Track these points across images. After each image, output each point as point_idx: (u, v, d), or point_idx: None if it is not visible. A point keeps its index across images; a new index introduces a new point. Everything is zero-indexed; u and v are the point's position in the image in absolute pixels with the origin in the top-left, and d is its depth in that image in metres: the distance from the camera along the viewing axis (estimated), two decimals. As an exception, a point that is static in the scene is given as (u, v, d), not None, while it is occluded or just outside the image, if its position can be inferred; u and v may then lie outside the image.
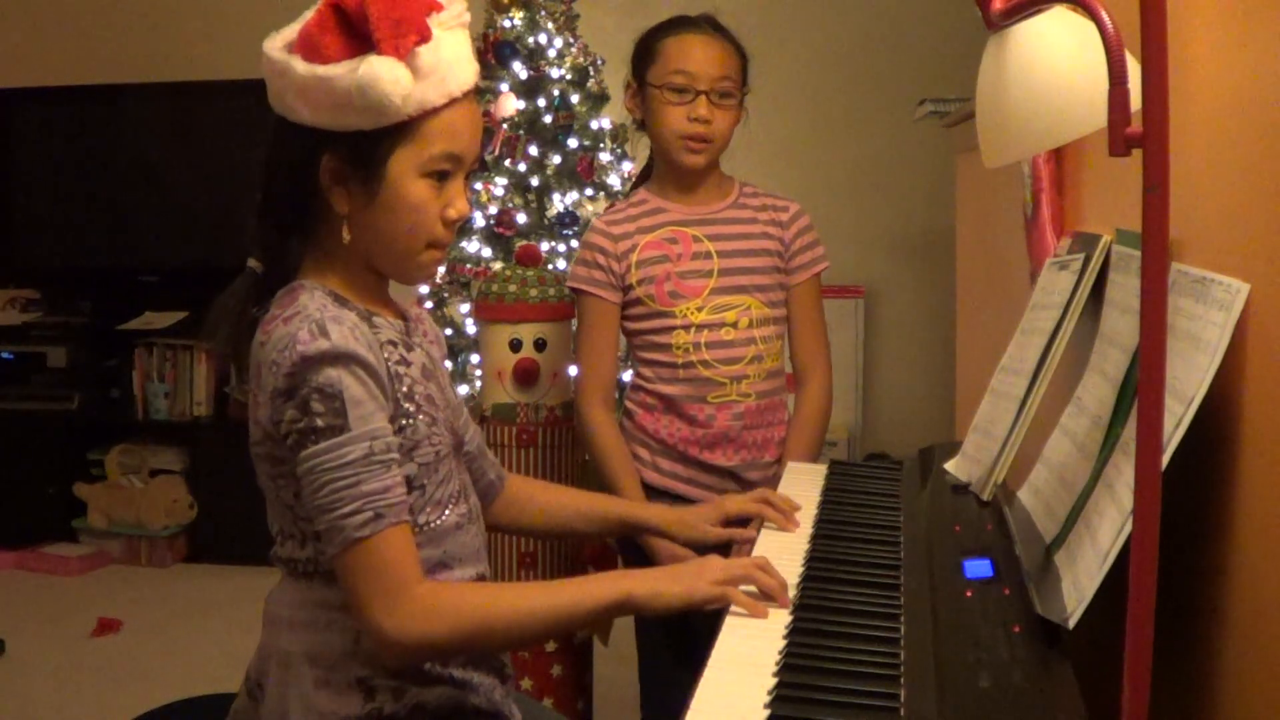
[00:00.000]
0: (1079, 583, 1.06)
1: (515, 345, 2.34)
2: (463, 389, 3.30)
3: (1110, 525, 1.05)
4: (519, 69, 3.43)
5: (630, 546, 2.03)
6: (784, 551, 1.46)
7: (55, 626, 3.60)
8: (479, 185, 3.39)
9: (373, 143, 1.29)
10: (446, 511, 1.37)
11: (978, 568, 1.26)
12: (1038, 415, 1.44)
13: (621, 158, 3.56)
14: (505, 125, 3.42)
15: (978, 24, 1.19)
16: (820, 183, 4.28)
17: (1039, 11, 1.11)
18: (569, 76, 3.49)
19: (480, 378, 2.61)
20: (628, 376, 2.27)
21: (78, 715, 3.01)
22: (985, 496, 1.48)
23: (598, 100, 3.54)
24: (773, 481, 1.99)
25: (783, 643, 1.17)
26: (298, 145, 1.30)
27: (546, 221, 3.46)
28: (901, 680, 1.06)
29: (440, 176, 1.33)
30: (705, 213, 2.08)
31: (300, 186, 1.32)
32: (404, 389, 1.32)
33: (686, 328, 2.03)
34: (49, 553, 4.17)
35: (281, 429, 1.25)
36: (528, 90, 3.45)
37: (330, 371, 1.23)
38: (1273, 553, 0.96)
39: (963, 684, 1.02)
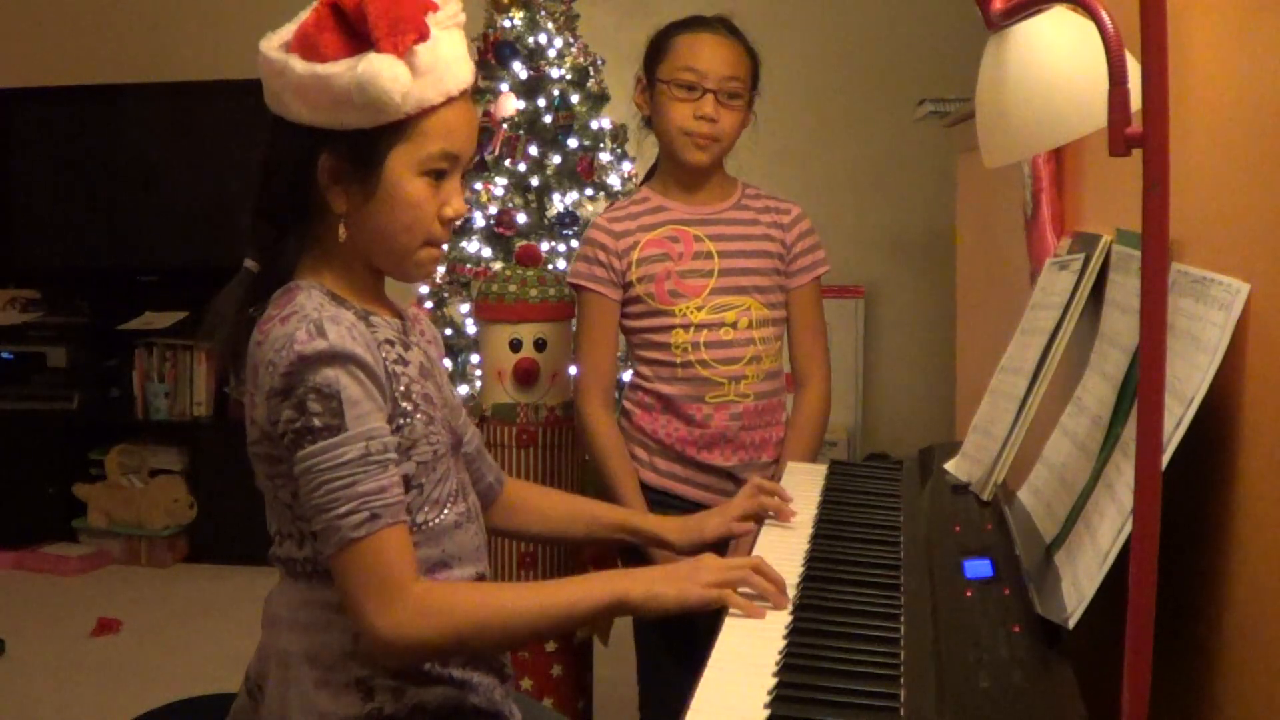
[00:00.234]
0: (1079, 583, 1.06)
1: (515, 345, 2.34)
2: (463, 389, 3.30)
3: (1110, 525, 1.05)
4: (519, 69, 3.43)
5: (630, 550, 2.03)
6: (784, 551, 1.46)
7: (55, 626, 3.60)
8: (479, 185, 3.39)
9: (371, 141, 1.29)
10: (445, 510, 1.37)
11: (978, 568, 1.26)
12: (1038, 415, 1.44)
13: (621, 158, 3.56)
14: (505, 125, 3.42)
15: (978, 24, 1.19)
16: (820, 182, 4.28)
17: (1039, 11, 1.11)
18: (569, 76, 3.49)
19: (480, 378, 2.61)
20: (627, 376, 2.27)
21: (78, 715, 3.01)
22: (985, 496, 1.48)
23: (598, 100, 3.54)
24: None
25: (783, 643, 1.17)
26: (295, 144, 1.30)
27: (546, 221, 3.46)
28: (901, 680, 1.06)
29: (437, 175, 1.34)
30: (707, 212, 2.08)
31: (297, 186, 1.32)
32: (401, 388, 1.32)
33: (686, 327, 2.03)
34: (49, 553, 4.17)
35: (278, 429, 1.25)
36: (528, 90, 3.45)
37: (327, 371, 1.23)
38: (1273, 553, 0.96)
39: (963, 684, 1.02)
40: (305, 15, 1.31)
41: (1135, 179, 0.87)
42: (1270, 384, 0.99)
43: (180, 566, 4.27)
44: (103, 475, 4.34)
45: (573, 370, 2.39)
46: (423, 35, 1.28)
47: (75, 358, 4.47)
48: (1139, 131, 0.86)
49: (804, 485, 1.77)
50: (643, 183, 2.22)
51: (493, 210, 3.41)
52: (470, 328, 3.37)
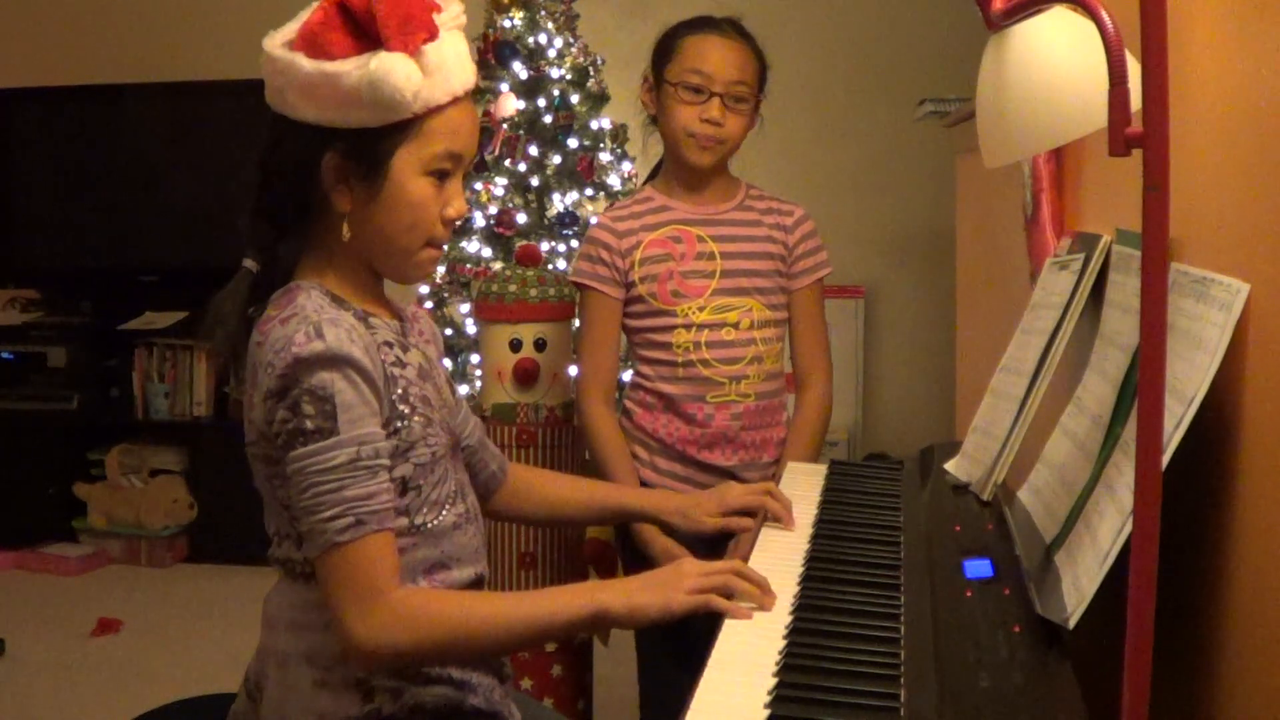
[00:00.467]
0: (1079, 583, 1.06)
1: (515, 345, 2.34)
2: (463, 389, 3.30)
3: (1110, 525, 1.05)
4: (519, 69, 3.43)
5: (629, 543, 2.03)
6: (784, 551, 1.46)
7: (55, 626, 3.60)
8: (479, 185, 3.39)
9: (377, 140, 1.29)
10: (444, 511, 1.37)
11: (978, 568, 1.26)
12: (1038, 415, 1.44)
13: (621, 158, 3.56)
14: (505, 125, 3.42)
15: (978, 24, 1.19)
16: (820, 183, 4.28)
17: (1039, 11, 1.11)
18: (569, 76, 3.49)
19: (480, 378, 2.61)
20: (627, 376, 2.27)
21: (78, 715, 3.01)
22: (985, 496, 1.48)
23: (598, 100, 3.54)
24: (771, 482, 1.99)
25: (783, 643, 1.17)
26: (299, 143, 1.30)
27: (546, 221, 3.46)
28: (901, 680, 1.06)
29: (440, 176, 1.34)
30: (710, 213, 2.08)
31: (300, 185, 1.32)
32: (399, 390, 1.32)
33: (688, 327, 2.03)
34: (49, 553, 4.17)
35: (273, 429, 1.25)
36: (528, 90, 3.45)
37: (323, 374, 1.23)
38: (1273, 553, 0.96)
39: (963, 684, 1.02)
40: (308, 14, 1.31)
41: (1135, 179, 0.87)
42: (1270, 384, 0.99)
43: (180, 566, 4.27)
44: (103, 475, 4.34)
45: (573, 370, 2.40)
46: (432, 34, 1.28)
47: (75, 358, 4.47)
48: (1139, 131, 0.86)
49: (804, 485, 1.77)
50: (646, 182, 2.22)
51: (493, 210, 3.41)
52: (470, 328, 3.37)
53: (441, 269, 3.39)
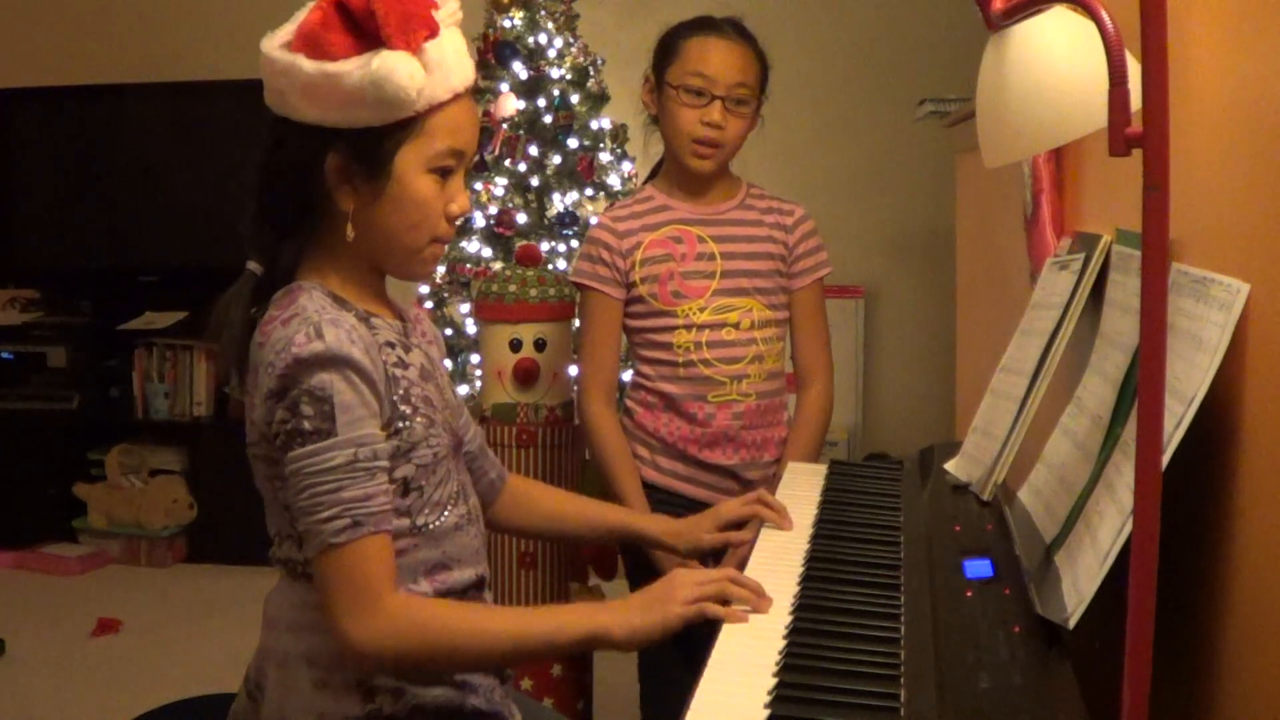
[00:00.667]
0: (1079, 583, 1.06)
1: (515, 345, 2.34)
2: (463, 389, 3.30)
3: (1110, 525, 1.05)
4: (519, 69, 3.43)
5: (631, 546, 2.03)
6: (784, 551, 1.46)
7: (55, 626, 3.60)
8: (479, 185, 3.39)
9: (379, 139, 1.29)
10: (445, 512, 1.37)
11: (978, 568, 1.26)
12: (1038, 415, 1.44)
13: (621, 158, 3.56)
14: (505, 125, 3.42)
15: (978, 24, 1.19)
16: (820, 183, 4.28)
17: (1039, 11, 1.11)
18: (569, 76, 3.49)
19: (480, 378, 2.61)
20: (628, 376, 2.27)
21: (78, 715, 3.01)
22: (985, 496, 1.48)
23: (598, 100, 3.54)
24: (772, 481, 1.99)
25: (783, 643, 1.17)
26: (300, 144, 1.30)
27: (546, 221, 3.46)
28: (901, 680, 1.06)
29: (443, 173, 1.34)
30: (711, 212, 2.08)
31: (302, 186, 1.32)
32: (401, 391, 1.32)
33: (688, 327, 2.03)
34: (49, 553, 4.17)
35: (272, 429, 1.25)
36: (528, 90, 3.45)
37: (323, 375, 1.23)
38: (1273, 553, 0.96)
39: (963, 684, 1.02)
40: (305, 15, 1.31)
41: (1135, 179, 0.87)
42: (1270, 384, 0.99)
43: (180, 566, 4.27)
44: (103, 475, 4.34)
45: (573, 370, 2.40)
46: (433, 31, 1.29)
47: (75, 358, 4.47)
48: (1139, 131, 0.86)
49: (804, 485, 1.77)
50: (646, 181, 2.21)
51: (493, 210, 3.41)
52: (470, 328, 3.37)
53: (441, 269, 3.39)
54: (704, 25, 2.02)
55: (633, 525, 1.69)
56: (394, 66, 1.24)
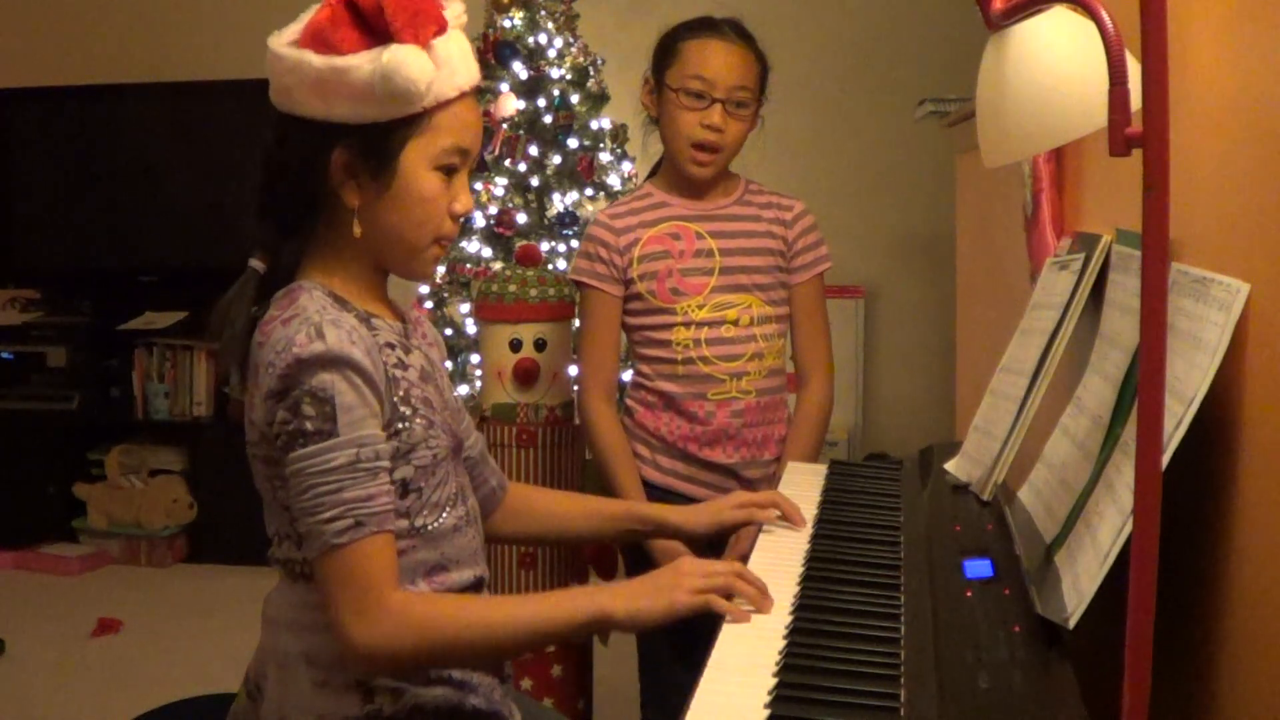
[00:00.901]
0: (1079, 583, 1.06)
1: (515, 345, 2.34)
2: (463, 389, 3.30)
3: (1110, 525, 1.05)
4: (519, 69, 3.43)
5: (633, 547, 2.03)
6: (784, 551, 1.46)
7: (55, 626, 3.60)
8: (479, 185, 3.39)
9: (387, 134, 1.29)
10: (444, 514, 1.37)
11: (978, 568, 1.26)
12: (1038, 415, 1.44)
13: (621, 158, 3.56)
14: (505, 125, 3.42)
15: (978, 24, 1.19)
16: (820, 183, 4.27)
17: (1039, 11, 1.11)
18: (569, 76, 3.49)
19: (480, 378, 2.61)
20: (628, 376, 2.27)
21: (77, 715, 3.01)
22: (985, 496, 1.48)
23: (598, 100, 3.54)
24: (772, 480, 1.99)
25: (783, 643, 1.17)
26: (306, 141, 1.30)
27: (546, 221, 3.46)
28: (901, 680, 1.06)
29: (448, 171, 1.34)
30: (709, 209, 2.08)
31: (307, 183, 1.32)
32: (401, 392, 1.32)
33: (687, 324, 2.03)
34: (49, 553, 4.17)
35: (273, 430, 1.25)
36: (528, 90, 3.45)
37: (324, 375, 1.23)
38: (1273, 553, 0.96)
39: (963, 684, 1.02)
40: (313, 13, 1.31)
41: (1135, 179, 0.87)
42: (1270, 384, 0.99)
43: (180, 566, 4.27)
44: (103, 475, 4.34)
45: (573, 370, 2.40)
46: (442, 28, 1.30)
47: (75, 358, 4.47)
48: (1139, 131, 0.86)
49: (804, 485, 1.77)
50: (646, 179, 2.21)
51: (493, 210, 3.41)
52: (470, 328, 3.37)
53: (441, 269, 3.39)
54: (704, 26, 2.02)
55: (639, 512, 1.67)
56: (405, 60, 1.24)
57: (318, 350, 1.23)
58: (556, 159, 3.46)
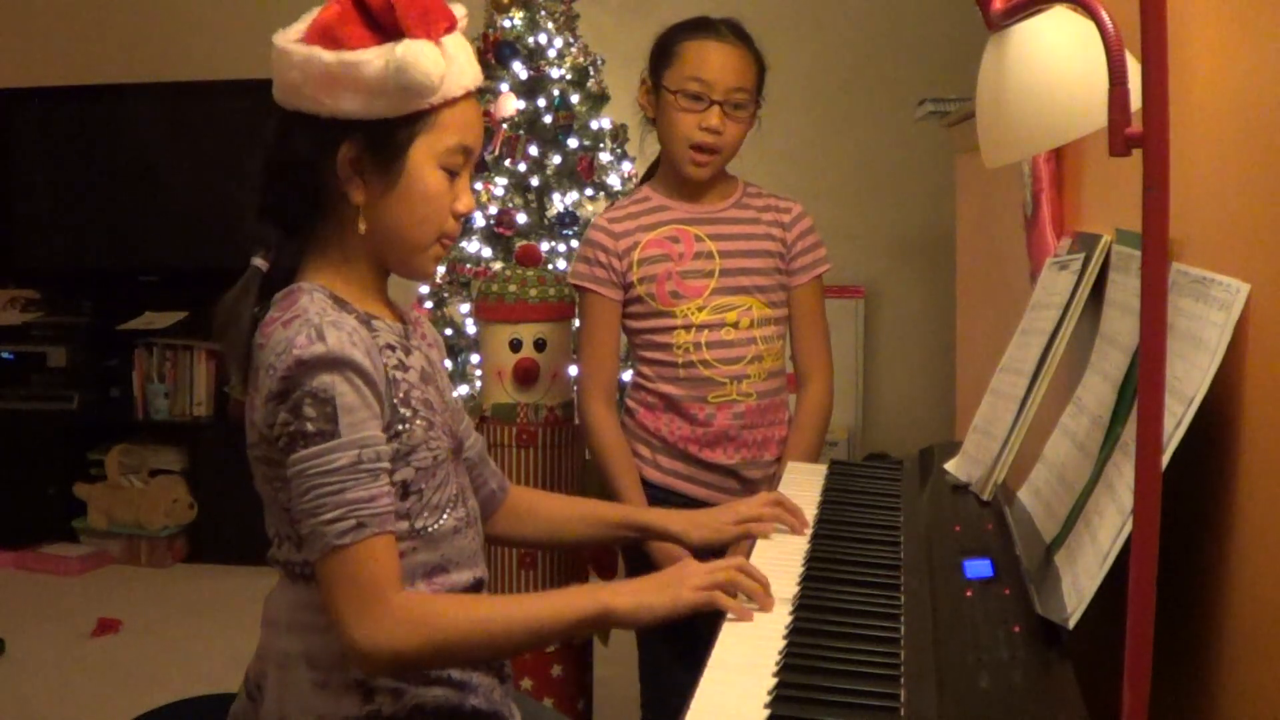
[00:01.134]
0: (1079, 583, 1.06)
1: (515, 345, 2.34)
2: (463, 389, 3.30)
3: (1110, 525, 1.05)
4: (519, 69, 3.43)
5: (633, 548, 2.03)
6: (784, 552, 1.46)
7: (55, 626, 3.60)
8: (479, 185, 3.39)
9: (395, 130, 1.29)
10: (444, 515, 1.37)
11: (978, 568, 1.26)
12: (1038, 415, 1.44)
13: (621, 158, 3.56)
14: (505, 125, 3.42)
15: (978, 24, 1.19)
16: (820, 183, 4.27)
17: (1039, 11, 1.11)
18: (569, 76, 3.49)
19: (480, 378, 2.61)
20: (628, 376, 2.27)
21: (77, 715, 3.01)
22: (985, 496, 1.48)
23: (598, 100, 3.54)
24: (773, 481, 1.99)
25: (783, 643, 1.17)
26: (312, 137, 1.30)
27: (546, 221, 3.46)
28: (901, 680, 1.06)
29: (451, 171, 1.34)
30: (708, 212, 2.08)
31: (311, 180, 1.32)
32: (401, 394, 1.32)
33: (687, 327, 2.03)
34: (49, 553, 4.17)
35: (274, 431, 1.25)
36: (528, 90, 3.45)
37: (325, 377, 1.23)
38: (1273, 553, 0.96)
39: (963, 684, 1.02)
40: (320, 11, 1.31)
41: (1135, 179, 0.87)
42: (1270, 384, 0.99)
43: (180, 566, 4.26)
44: (103, 475, 4.34)
45: (573, 370, 2.40)
46: (452, 25, 1.30)
47: (75, 358, 4.47)
48: (1139, 131, 0.86)
49: (804, 485, 1.77)
50: (642, 181, 2.21)
51: (493, 210, 3.41)
52: (470, 328, 3.37)
53: (441, 269, 3.39)
54: (701, 27, 2.01)
55: (641, 518, 1.68)
56: (419, 53, 1.25)
57: (318, 352, 1.23)
58: (556, 159, 3.46)
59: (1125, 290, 1.29)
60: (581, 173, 3.46)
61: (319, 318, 1.26)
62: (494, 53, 3.44)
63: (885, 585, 1.30)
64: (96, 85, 4.52)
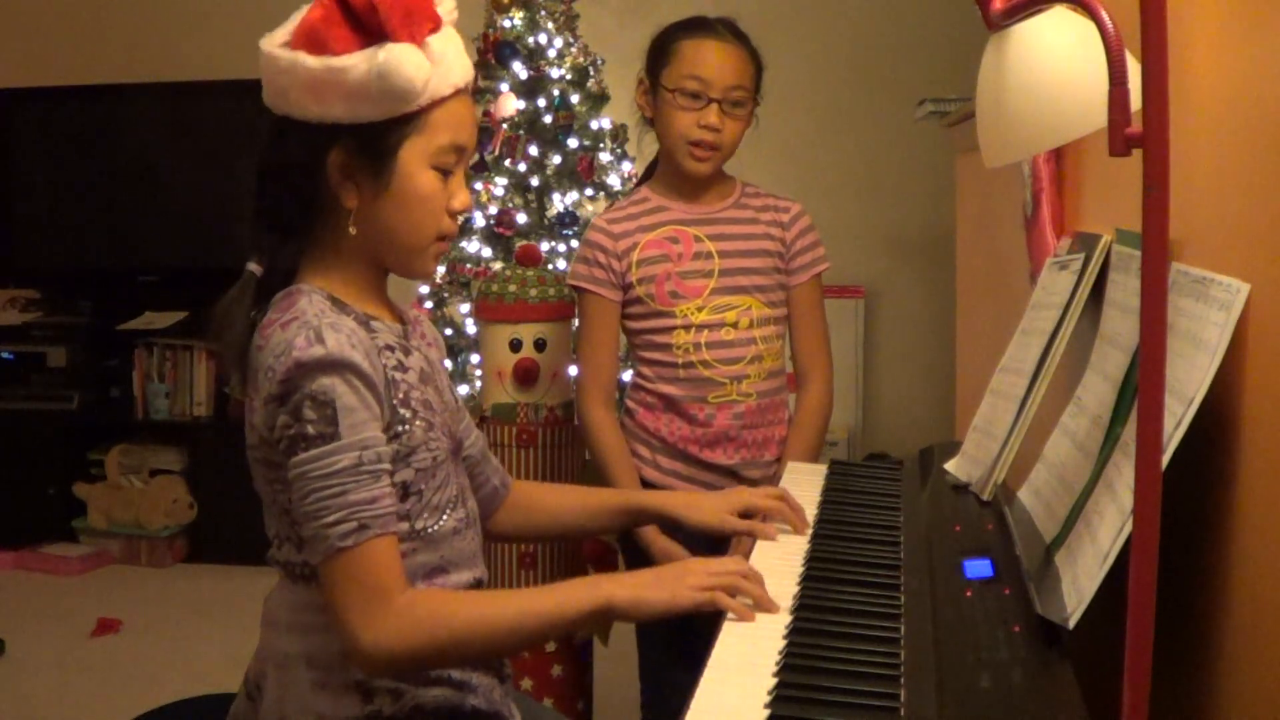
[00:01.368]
0: (1079, 583, 1.06)
1: (515, 345, 2.34)
2: (463, 389, 3.30)
3: (1110, 525, 1.05)
4: (519, 69, 3.43)
5: (630, 544, 2.03)
6: (784, 551, 1.46)
7: (55, 626, 3.60)
8: (479, 185, 3.39)
9: (383, 133, 1.29)
10: (444, 516, 1.37)
11: (978, 568, 1.26)
12: (1038, 415, 1.44)
13: (621, 158, 3.56)
14: (505, 125, 3.42)
15: (978, 24, 1.19)
16: (820, 183, 4.28)
17: (1039, 11, 1.11)
18: (569, 76, 3.49)
19: (480, 378, 2.61)
20: (628, 376, 2.27)
21: (77, 715, 3.01)
22: (985, 496, 1.48)
23: (598, 100, 3.54)
24: (773, 480, 1.99)
25: (783, 643, 1.17)
26: (302, 142, 1.30)
27: (546, 221, 3.45)
28: (901, 680, 1.06)
29: (445, 170, 1.34)
30: (707, 212, 2.08)
31: (304, 185, 1.31)
32: (400, 395, 1.32)
33: (687, 328, 2.03)
34: (49, 553, 4.17)
35: (274, 434, 1.25)
36: (528, 90, 3.45)
37: (324, 379, 1.23)
38: (1273, 553, 0.96)
39: (963, 684, 1.02)
40: (304, 13, 1.30)
41: (1135, 179, 0.87)
42: (1270, 384, 0.99)
43: (180, 566, 4.26)
44: (103, 475, 4.34)
45: (573, 370, 2.40)
46: (437, 25, 1.29)
47: (75, 358, 4.47)
48: (1139, 131, 0.86)
49: (804, 485, 1.77)
50: (640, 182, 2.21)
51: (493, 210, 3.41)
52: (470, 328, 3.37)
53: (441, 269, 3.39)
54: (698, 26, 2.01)
55: (640, 502, 1.67)
56: (401, 58, 1.24)
57: (318, 354, 1.22)
58: (556, 159, 3.45)
59: (1125, 290, 1.29)
60: (581, 173, 3.46)
61: (317, 320, 1.25)
62: (494, 53, 3.44)
63: (885, 585, 1.30)
64: (96, 85, 4.52)
